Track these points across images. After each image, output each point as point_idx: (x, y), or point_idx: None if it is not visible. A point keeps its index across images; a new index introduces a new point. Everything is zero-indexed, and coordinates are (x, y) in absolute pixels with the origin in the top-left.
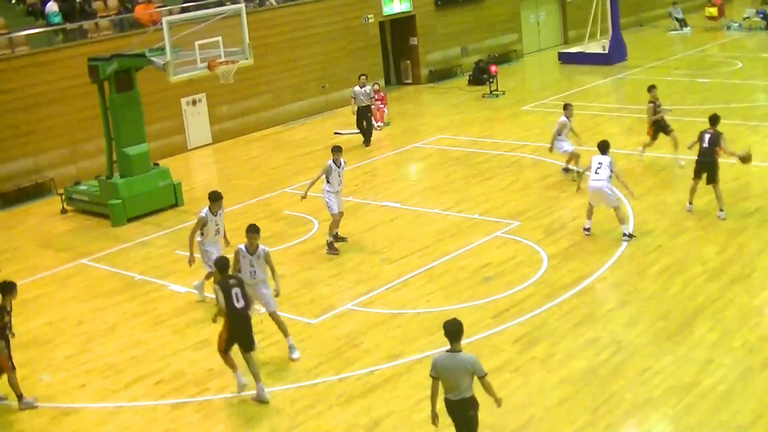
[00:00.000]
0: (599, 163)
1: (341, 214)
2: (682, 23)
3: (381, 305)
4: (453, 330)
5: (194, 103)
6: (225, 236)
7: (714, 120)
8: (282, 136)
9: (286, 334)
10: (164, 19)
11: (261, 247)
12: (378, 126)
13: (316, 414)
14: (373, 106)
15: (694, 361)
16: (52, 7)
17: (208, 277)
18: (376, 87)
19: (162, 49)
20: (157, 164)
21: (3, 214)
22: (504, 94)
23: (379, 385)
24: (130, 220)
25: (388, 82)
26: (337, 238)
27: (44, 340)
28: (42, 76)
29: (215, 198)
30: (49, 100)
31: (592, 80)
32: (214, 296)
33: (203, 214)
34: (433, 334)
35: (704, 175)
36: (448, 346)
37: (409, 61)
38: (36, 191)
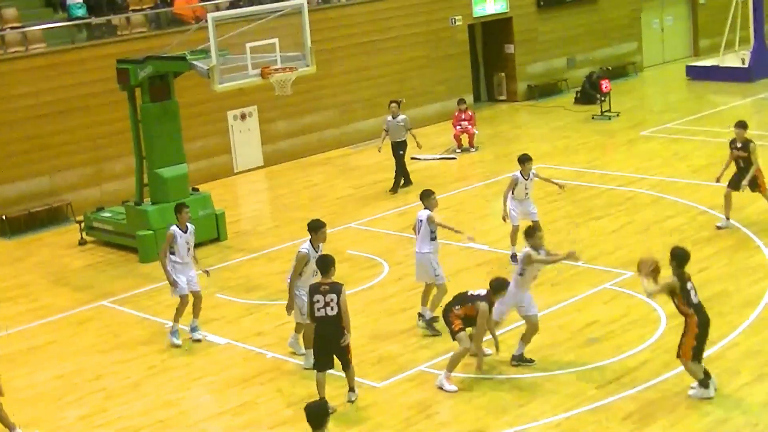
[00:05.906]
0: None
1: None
2: None
3: (462, 368)
4: (317, 414)
5: (243, 117)
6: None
7: None
8: (349, 161)
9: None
10: (209, 16)
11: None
12: (459, 151)
13: None
14: (459, 127)
15: None
16: None
17: (299, 329)
18: (463, 105)
19: (206, 51)
20: (196, 189)
21: (10, 243)
22: (618, 116)
23: None
24: None
25: (477, 98)
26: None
27: (53, 396)
28: (61, 80)
29: (317, 227)
30: (69, 109)
31: (727, 100)
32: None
33: (305, 250)
34: (524, 405)
35: None
36: None
37: (503, 74)
38: (50, 217)
